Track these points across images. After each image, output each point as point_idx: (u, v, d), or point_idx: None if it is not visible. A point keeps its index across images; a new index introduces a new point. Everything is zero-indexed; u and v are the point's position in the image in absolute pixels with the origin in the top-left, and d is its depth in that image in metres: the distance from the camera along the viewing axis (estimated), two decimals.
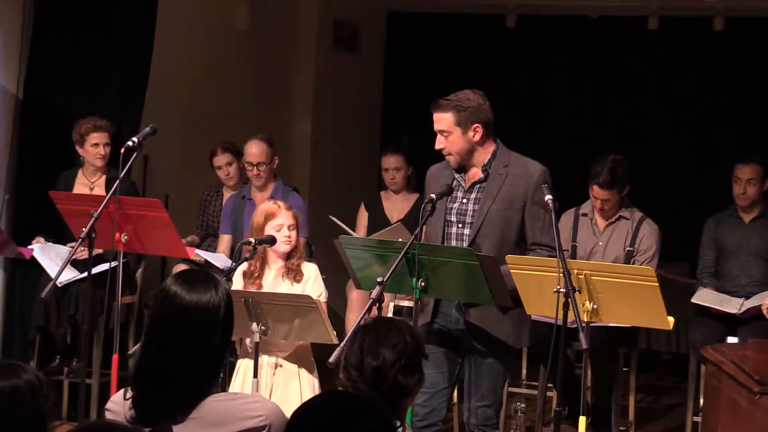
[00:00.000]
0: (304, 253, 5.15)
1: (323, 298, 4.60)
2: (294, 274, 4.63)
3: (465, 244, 4.29)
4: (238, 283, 4.61)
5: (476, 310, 4.28)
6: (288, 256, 4.64)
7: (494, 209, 4.31)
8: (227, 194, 6.46)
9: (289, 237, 4.63)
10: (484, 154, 4.36)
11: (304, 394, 4.55)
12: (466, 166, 4.37)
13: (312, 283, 4.64)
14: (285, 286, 4.61)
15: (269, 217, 4.64)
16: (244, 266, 4.64)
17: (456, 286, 4.17)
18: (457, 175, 4.40)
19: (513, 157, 4.39)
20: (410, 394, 2.98)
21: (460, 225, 4.35)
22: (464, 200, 4.37)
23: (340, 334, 4.40)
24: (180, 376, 2.67)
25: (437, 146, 4.36)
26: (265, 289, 4.58)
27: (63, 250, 5.62)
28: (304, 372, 4.64)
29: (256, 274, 4.62)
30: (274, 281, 4.64)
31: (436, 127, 4.34)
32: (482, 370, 4.34)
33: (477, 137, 4.31)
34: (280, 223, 4.63)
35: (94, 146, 5.82)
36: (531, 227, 4.33)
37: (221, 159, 6.42)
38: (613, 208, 5.57)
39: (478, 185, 4.37)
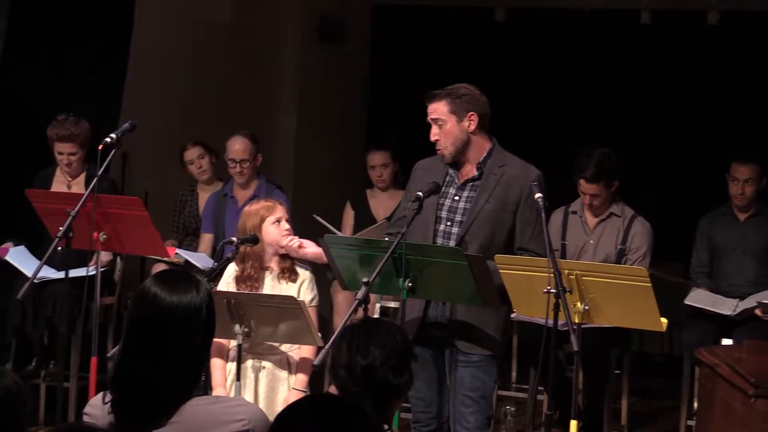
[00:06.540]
0: None
1: (314, 303, 4.50)
2: (289, 273, 4.51)
3: (452, 243, 4.21)
4: (229, 287, 4.47)
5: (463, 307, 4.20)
6: (283, 256, 4.51)
7: (487, 209, 4.23)
8: (202, 193, 6.40)
9: (289, 229, 4.52)
10: (479, 151, 4.27)
11: (290, 400, 4.42)
12: (460, 161, 4.28)
13: (307, 285, 4.53)
14: (281, 287, 4.49)
15: (267, 213, 4.51)
16: (234, 271, 4.49)
17: (443, 287, 4.10)
18: (450, 171, 4.30)
19: (509, 157, 4.32)
20: (399, 395, 2.95)
21: (449, 223, 4.26)
22: (456, 197, 4.28)
23: (327, 339, 4.28)
24: (160, 380, 2.63)
25: (432, 137, 4.27)
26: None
27: (34, 262, 5.42)
28: (292, 377, 4.51)
29: (255, 277, 4.48)
30: (271, 284, 4.52)
31: (431, 116, 4.26)
32: (470, 369, 4.23)
33: (472, 127, 4.23)
34: (279, 216, 4.52)
35: (59, 154, 5.69)
36: (520, 232, 4.25)
37: (192, 153, 6.33)
38: (603, 204, 5.49)
39: (472, 183, 4.28)
